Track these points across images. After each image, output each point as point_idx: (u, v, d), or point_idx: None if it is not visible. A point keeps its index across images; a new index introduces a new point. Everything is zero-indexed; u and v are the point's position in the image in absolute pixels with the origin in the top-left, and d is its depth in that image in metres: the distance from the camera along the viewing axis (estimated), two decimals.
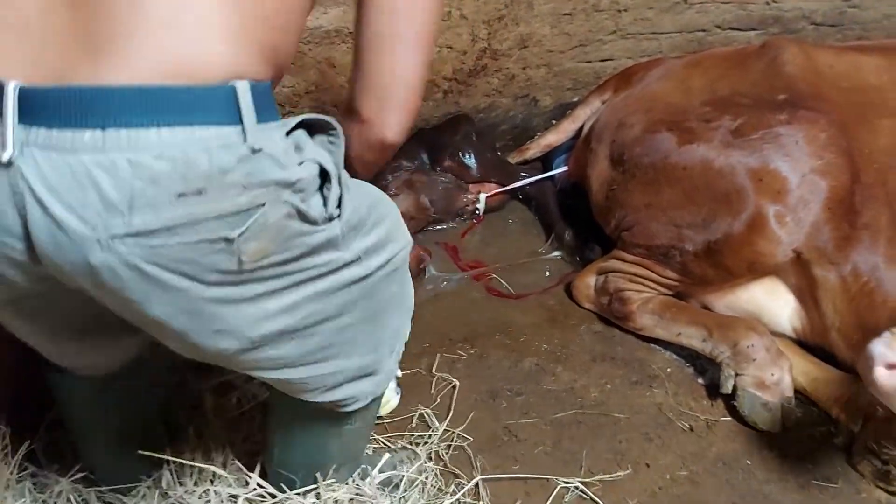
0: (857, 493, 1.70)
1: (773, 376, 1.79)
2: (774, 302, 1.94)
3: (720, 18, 2.93)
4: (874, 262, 1.73)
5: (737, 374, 1.83)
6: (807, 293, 1.86)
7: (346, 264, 1.07)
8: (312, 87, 2.54)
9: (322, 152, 0.99)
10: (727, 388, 1.84)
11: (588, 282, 2.19)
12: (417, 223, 2.41)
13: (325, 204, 0.99)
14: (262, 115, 0.92)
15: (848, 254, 1.76)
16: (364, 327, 1.19)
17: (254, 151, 0.89)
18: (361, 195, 1.10)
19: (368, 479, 1.55)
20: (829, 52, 2.03)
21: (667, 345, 2.06)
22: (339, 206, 1.01)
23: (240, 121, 0.89)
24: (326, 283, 1.05)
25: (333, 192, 1.00)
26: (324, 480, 1.45)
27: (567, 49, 2.79)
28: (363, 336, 1.20)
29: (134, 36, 0.86)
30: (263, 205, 0.91)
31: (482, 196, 2.51)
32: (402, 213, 2.27)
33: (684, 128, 1.96)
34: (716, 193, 1.85)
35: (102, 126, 0.84)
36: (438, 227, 2.54)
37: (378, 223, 1.14)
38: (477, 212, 2.54)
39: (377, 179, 2.36)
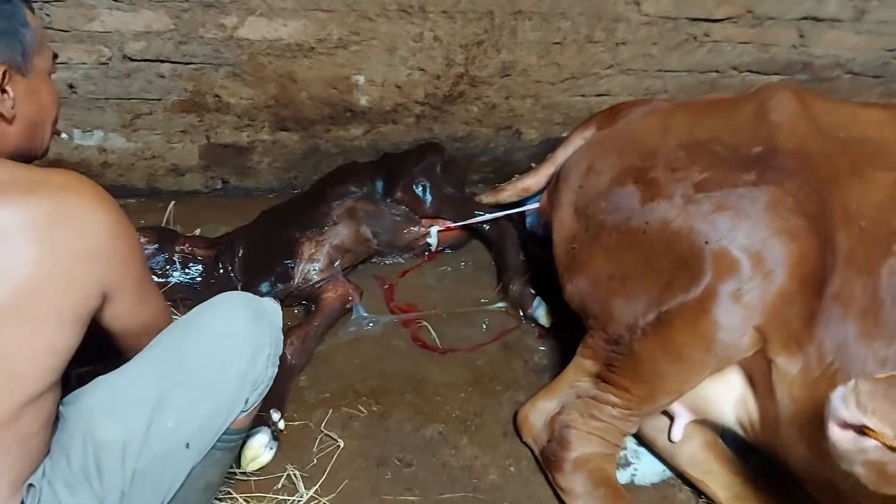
0: None
1: None
2: (720, 386, 1.66)
3: (737, 60, 2.64)
4: (842, 338, 1.44)
5: None
6: (760, 377, 1.57)
7: None
8: (272, 100, 2.41)
9: None
10: None
11: (542, 408, 1.77)
12: (355, 256, 2.23)
13: None
14: None
15: (813, 331, 1.48)
16: None
17: None
18: None
19: None
20: (827, 102, 1.77)
21: None
22: None
23: None
24: None
25: None
26: None
27: (557, 81, 2.57)
28: None
29: None
30: None
31: (433, 230, 2.32)
32: (337, 244, 2.16)
33: (649, 180, 1.70)
34: (674, 258, 1.60)
35: None
36: (387, 262, 2.36)
37: None
38: (429, 248, 2.35)
39: (322, 205, 2.21)
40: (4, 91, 1.15)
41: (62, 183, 1.09)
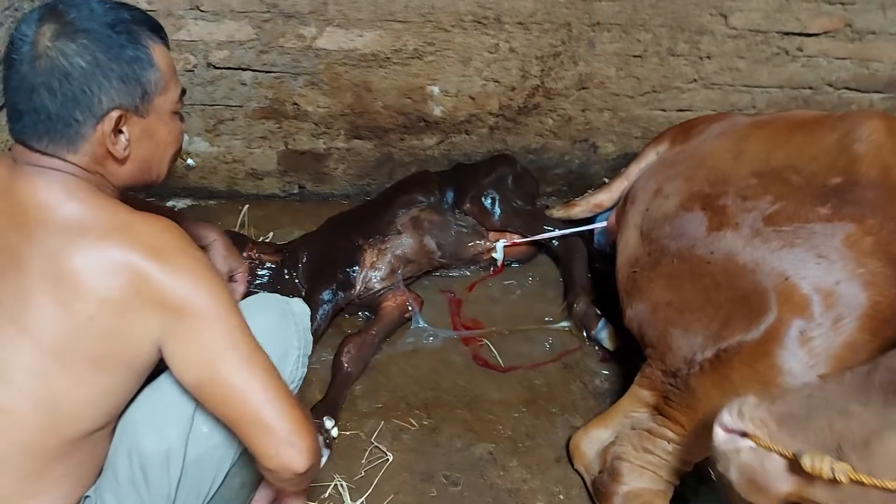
0: None
1: None
2: None
3: (834, 76, 2.48)
4: None
5: None
6: None
7: None
8: (348, 109, 2.45)
9: None
10: None
11: (595, 436, 1.73)
12: (418, 266, 2.22)
13: None
14: None
15: None
16: None
17: None
18: None
19: None
20: None
21: None
22: None
23: None
24: None
25: None
26: None
27: (637, 94, 2.49)
28: None
29: None
30: None
31: (499, 244, 2.29)
32: (400, 254, 2.16)
33: (718, 207, 1.62)
34: (736, 293, 1.52)
35: None
36: (452, 274, 2.34)
37: None
38: (495, 262, 2.32)
39: (387, 213, 2.22)
40: (120, 132, 1.13)
41: (143, 232, 1.08)
